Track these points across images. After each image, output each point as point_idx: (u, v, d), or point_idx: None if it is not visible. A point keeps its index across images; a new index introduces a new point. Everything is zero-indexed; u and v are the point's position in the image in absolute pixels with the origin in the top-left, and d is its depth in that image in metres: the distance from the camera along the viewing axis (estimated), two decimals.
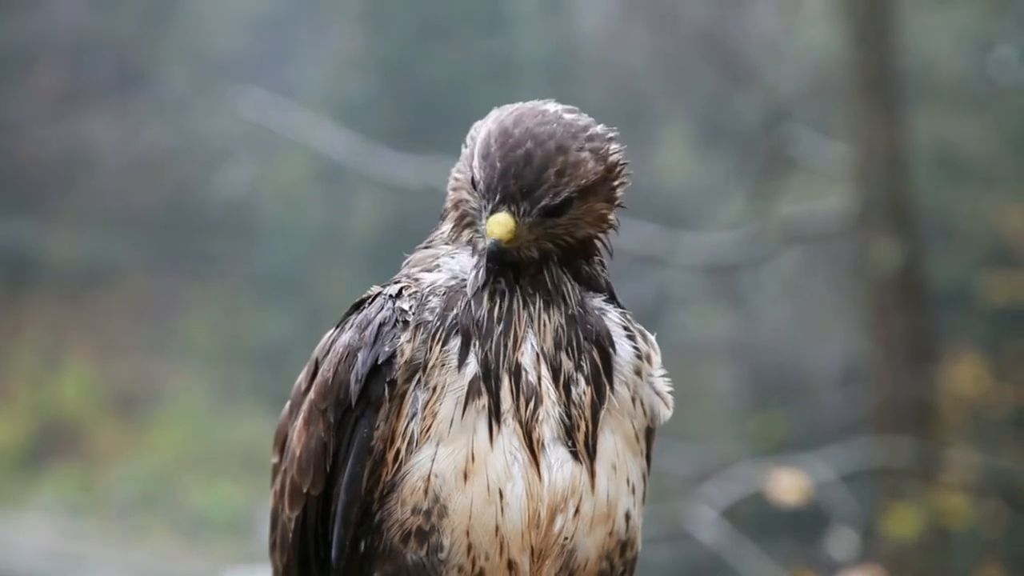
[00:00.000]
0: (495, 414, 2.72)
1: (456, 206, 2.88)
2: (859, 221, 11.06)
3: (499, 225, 2.73)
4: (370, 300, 2.86)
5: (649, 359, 2.88)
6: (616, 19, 20.70)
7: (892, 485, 10.72)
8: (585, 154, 2.77)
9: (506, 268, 2.78)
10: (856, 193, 11.18)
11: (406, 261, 2.93)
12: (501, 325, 2.75)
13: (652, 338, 2.91)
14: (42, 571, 18.36)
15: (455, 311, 2.77)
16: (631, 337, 2.86)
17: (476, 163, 2.77)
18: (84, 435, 21.45)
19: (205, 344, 22.37)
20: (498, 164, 2.74)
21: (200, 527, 20.00)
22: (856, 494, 9.89)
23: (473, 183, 2.79)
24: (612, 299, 2.88)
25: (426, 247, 2.91)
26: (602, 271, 2.90)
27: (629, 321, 2.88)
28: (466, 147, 2.87)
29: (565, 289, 2.82)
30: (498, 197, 2.74)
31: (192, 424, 21.52)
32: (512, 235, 2.73)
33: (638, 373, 2.85)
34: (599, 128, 2.83)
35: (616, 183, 2.84)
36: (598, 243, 2.88)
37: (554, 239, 2.80)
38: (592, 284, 2.87)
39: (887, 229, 10.90)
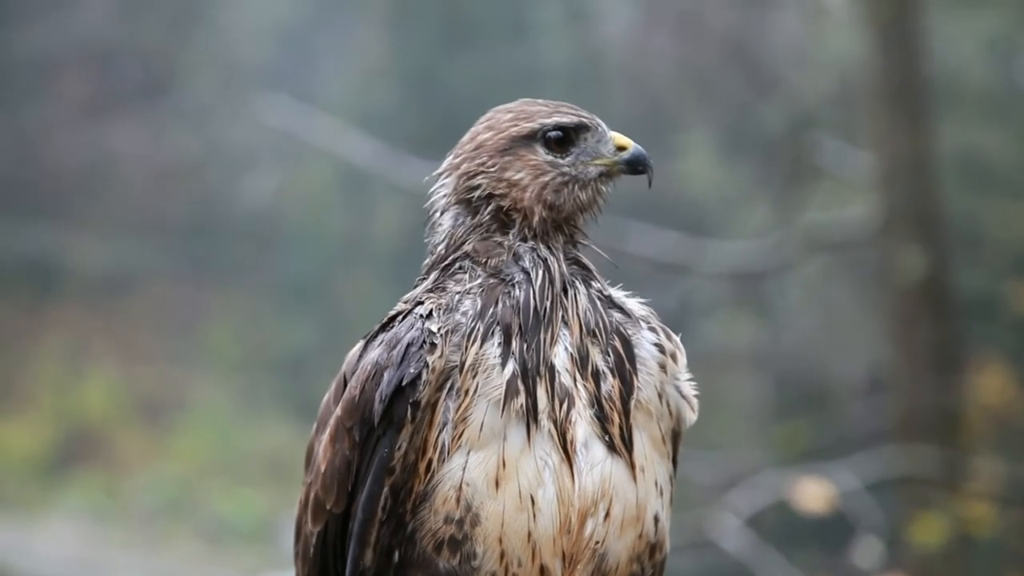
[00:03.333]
0: (533, 414, 2.72)
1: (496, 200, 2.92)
2: (884, 229, 11.02)
3: (623, 136, 2.97)
4: (401, 317, 2.85)
5: (674, 357, 2.90)
6: (640, 27, 20.68)
7: (917, 494, 10.67)
8: None
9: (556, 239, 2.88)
10: (881, 201, 11.14)
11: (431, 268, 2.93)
12: (544, 319, 2.77)
13: (677, 338, 2.93)
14: None
15: (493, 309, 2.78)
16: (652, 330, 2.88)
17: (549, 121, 2.92)
18: (108, 442, 21.51)
19: (228, 352, 22.41)
20: (572, 108, 2.96)
21: (223, 534, 20.02)
22: (881, 503, 9.85)
23: (561, 143, 2.92)
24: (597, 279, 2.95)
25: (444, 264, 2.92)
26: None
27: (650, 314, 2.91)
28: (462, 158, 2.98)
29: (587, 273, 2.89)
30: (600, 124, 2.96)
31: (215, 432, 21.54)
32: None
33: (663, 368, 2.86)
34: None
35: None
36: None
37: None
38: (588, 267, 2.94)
39: (912, 237, 10.86)
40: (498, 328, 2.76)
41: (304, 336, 21.90)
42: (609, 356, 2.80)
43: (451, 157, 3.01)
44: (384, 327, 2.88)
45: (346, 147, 13.89)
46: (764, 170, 16.07)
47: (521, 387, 2.73)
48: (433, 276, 2.90)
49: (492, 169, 2.91)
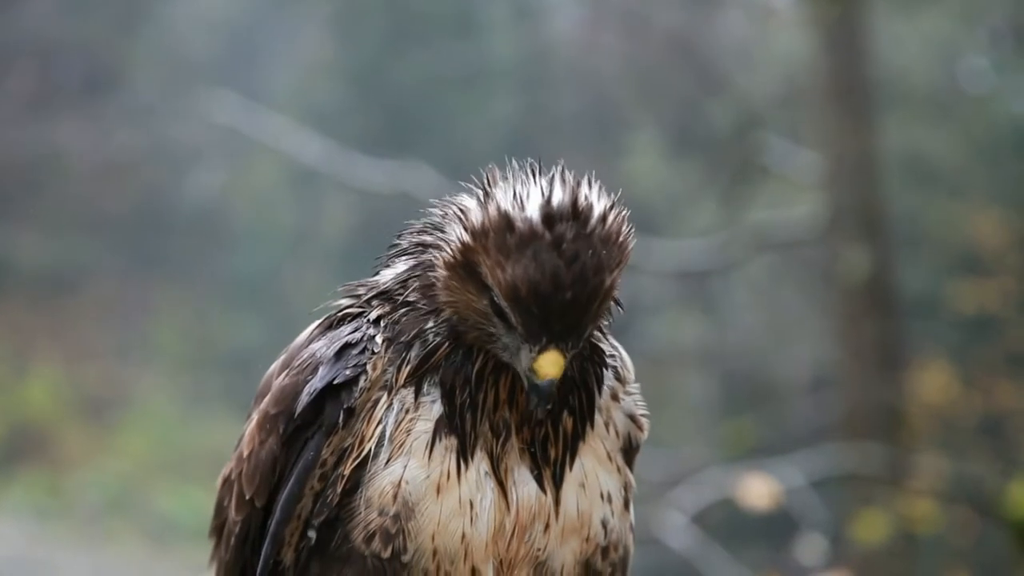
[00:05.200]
0: (462, 453, 2.67)
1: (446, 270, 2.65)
2: (829, 228, 11.09)
3: (552, 365, 2.55)
4: (351, 317, 2.78)
5: (625, 383, 2.85)
6: (588, 25, 20.73)
7: (861, 491, 10.75)
8: (617, 271, 2.61)
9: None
10: (826, 200, 11.22)
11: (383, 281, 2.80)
12: (486, 384, 2.68)
13: (628, 360, 2.86)
14: None
15: (444, 365, 2.68)
16: (612, 358, 2.82)
17: (508, 305, 2.55)
18: (52, 440, 21.36)
19: (174, 348, 22.30)
20: (538, 311, 2.53)
21: (168, 532, 19.92)
22: (825, 500, 9.92)
23: (504, 317, 2.58)
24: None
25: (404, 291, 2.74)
26: None
27: (614, 347, 2.84)
28: (461, 217, 2.64)
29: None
30: (544, 340, 2.54)
31: (161, 429, 21.43)
32: (561, 370, 2.56)
33: (614, 397, 2.82)
34: (620, 213, 2.67)
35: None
36: None
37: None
38: None
39: (857, 236, 10.94)
40: (437, 376, 2.68)
41: (251, 333, 21.82)
42: (572, 398, 2.71)
43: (454, 207, 2.69)
44: (338, 322, 2.80)
45: (293, 144, 13.87)
46: (711, 169, 16.14)
47: (449, 428, 2.66)
48: (388, 287, 2.78)
49: (441, 278, 2.66)
